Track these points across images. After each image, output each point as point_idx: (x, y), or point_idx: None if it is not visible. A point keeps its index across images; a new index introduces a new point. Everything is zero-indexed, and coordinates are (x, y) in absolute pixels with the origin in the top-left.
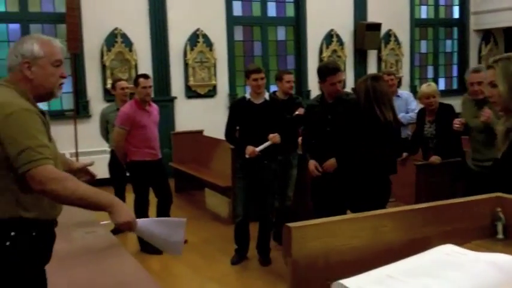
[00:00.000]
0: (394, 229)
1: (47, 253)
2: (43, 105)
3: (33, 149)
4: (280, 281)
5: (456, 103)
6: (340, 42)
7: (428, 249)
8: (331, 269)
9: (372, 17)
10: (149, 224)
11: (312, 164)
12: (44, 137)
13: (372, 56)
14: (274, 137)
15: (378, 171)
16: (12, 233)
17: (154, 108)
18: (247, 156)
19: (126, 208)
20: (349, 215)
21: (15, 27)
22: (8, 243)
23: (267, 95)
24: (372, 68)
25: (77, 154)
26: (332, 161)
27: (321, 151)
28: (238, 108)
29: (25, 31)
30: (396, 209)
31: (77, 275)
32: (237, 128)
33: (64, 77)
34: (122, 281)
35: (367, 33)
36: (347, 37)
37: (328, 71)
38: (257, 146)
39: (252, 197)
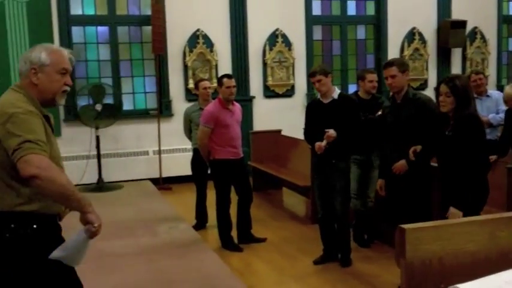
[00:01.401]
0: (511, 234)
1: (51, 245)
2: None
3: (33, 142)
4: (360, 283)
5: None
6: (423, 41)
7: None
8: (445, 272)
9: (456, 14)
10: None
11: (380, 184)
12: (43, 134)
13: (456, 54)
14: (329, 133)
15: (477, 171)
16: (12, 225)
17: (237, 107)
18: (318, 152)
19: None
20: (465, 219)
21: (103, 29)
22: (7, 235)
23: (335, 94)
24: (456, 67)
25: (159, 152)
26: (403, 163)
27: (390, 153)
28: (310, 108)
29: (113, 33)
30: None
31: (162, 268)
32: None
33: (69, 85)
34: (205, 275)
35: (451, 31)
36: (430, 35)
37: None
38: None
39: (328, 197)
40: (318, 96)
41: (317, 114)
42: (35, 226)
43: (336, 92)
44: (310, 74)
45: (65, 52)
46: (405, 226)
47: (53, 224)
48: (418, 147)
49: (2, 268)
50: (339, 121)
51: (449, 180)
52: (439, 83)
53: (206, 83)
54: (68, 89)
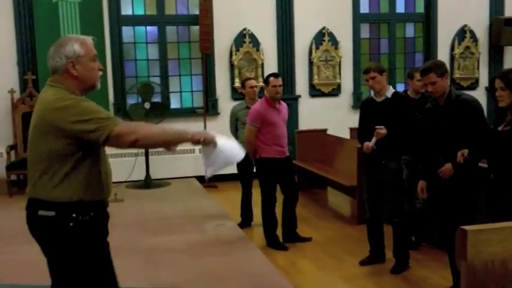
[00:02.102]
0: None
1: (104, 230)
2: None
3: (105, 118)
4: (409, 285)
5: None
6: (474, 39)
7: None
8: (508, 275)
9: (509, 11)
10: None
11: (421, 185)
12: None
13: (509, 52)
14: (378, 130)
15: None
16: (74, 215)
17: (284, 106)
18: (366, 152)
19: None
20: None
21: (152, 29)
22: (71, 224)
23: (389, 93)
24: (508, 66)
25: None
26: (449, 167)
27: (435, 156)
28: (363, 107)
29: (162, 33)
30: None
31: (209, 264)
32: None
33: (101, 70)
34: (252, 273)
35: (504, 29)
36: (481, 33)
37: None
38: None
39: (376, 198)
40: (372, 94)
41: (370, 112)
42: (92, 214)
43: (390, 90)
44: (365, 71)
45: (90, 40)
46: (467, 227)
47: (104, 211)
48: (466, 151)
49: (65, 254)
50: (391, 120)
51: (502, 182)
52: (492, 78)
53: (253, 82)
54: (101, 73)
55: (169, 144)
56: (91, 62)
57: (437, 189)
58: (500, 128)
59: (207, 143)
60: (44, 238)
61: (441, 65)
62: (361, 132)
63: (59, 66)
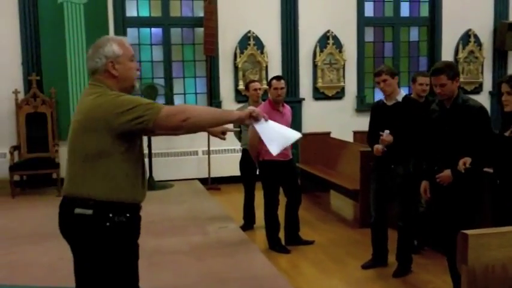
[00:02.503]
0: None
1: (137, 232)
2: None
3: (147, 104)
4: None
5: None
6: (478, 43)
7: None
8: (509, 279)
9: None
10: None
11: (424, 186)
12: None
13: None
14: (383, 138)
15: None
16: (110, 215)
17: (287, 109)
18: (377, 155)
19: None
20: None
21: (157, 31)
22: (108, 224)
23: (400, 97)
24: None
25: (209, 152)
26: (448, 174)
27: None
28: (373, 110)
29: (166, 35)
30: None
31: (211, 267)
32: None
33: (138, 70)
34: (254, 275)
35: (509, 33)
36: (486, 37)
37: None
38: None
39: (383, 201)
40: (382, 98)
41: (380, 116)
42: (128, 215)
43: (401, 94)
44: (376, 73)
45: (127, 40)
46: (468, 232)
47: (138, 213)
48: (468, 160)
49: (98, 254)
50: (401, 124)
51: (508, 187)
52: (499, 83)
53: (256, 84)
54: (139, 73)
55: (218, 123)
56: (129, 62)
57: (438, 192)
58: (507, 134)
59: (257, 117)
60: (77, 237)
61: (454, 68)
62: (371, 136)
63: (99, 67)
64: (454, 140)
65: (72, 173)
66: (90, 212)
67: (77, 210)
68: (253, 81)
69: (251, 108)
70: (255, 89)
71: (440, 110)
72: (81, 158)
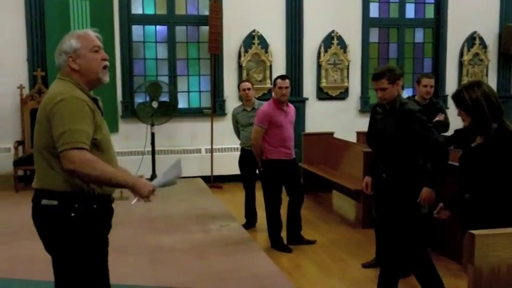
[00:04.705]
0: None
1: (107, 224)
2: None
3: (73, 132)
4: None
5: None
6: (484, 46)
7: None
8: None
9: None
10: (158, 179)
11: (366, 181)
12: (88, 125)
13: None
14: None
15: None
16: (76, 205)
17: (291, 108)
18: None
19: (143, 182)
20: None
21: (162, 29)
22: (72, 214)
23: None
24: None
25: (211, 150)
26: (429, 192)
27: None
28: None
29: (171, 32)
30: None
31: (212, 265)
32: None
33: (106, 59)
34: (255, 274)
35: None
36: (491, 40)
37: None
38: None
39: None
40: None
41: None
42: (95, 206)
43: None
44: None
45: (91, 32)
46: (475, 232)
47: (108, 205)
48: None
49: (64, 245)
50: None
51: (478, 201)
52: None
53: (245, 85)
54: (108, 63)
55: (104, 185)
56: (90, 53)
57: (382, 192)
58: (473, 145)
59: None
60: (45, 228)
61: (395, 72)
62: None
63: (61, 63)
64: (390, 141)
65: (36, 166)
66: (55, 202)
67: (44, 202)
68: (244, 81)
69: (143, 191)
70: (244, 89)
71: (383, 112)
72: (39, 152)
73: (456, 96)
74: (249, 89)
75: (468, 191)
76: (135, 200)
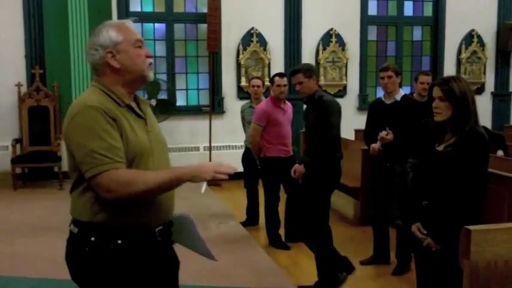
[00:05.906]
0: None
1: (140, 266)
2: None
3: (97, 152)
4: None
5: None
6: (481, 43)
7: None
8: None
9: None
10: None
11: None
12: (110, 135)
13: None
14: (383, 136)
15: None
16: (92, 238)
17: (289, 106)
18: (372, 154)
19: (203, 166)
20: None
21: (160, 26)
22: (86, 249)
23: (399, 96)
24: None
25: (210, 148)
26: (301, 169)
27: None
28: (371, 108)
29: (169, 30)
30: None
31: (212, 262)
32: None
33: (150, 57)
34: (254, 271)
35: None
36: (489, 38)
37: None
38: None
39: (381, 200)
40: (382, 96)
41: (377, 114)
42: (119, 242)
43: (400, 93)
44: (382, 68)
45: (130, 22)
46: (471, 227)
47: (145, 241)
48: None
49: (80, 280)
50: (397, 123)
51: (439, 209)
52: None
53: (256, 81)
54: (152, 61)
55: (156, 194)
56: (134, 49)
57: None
58: (439, 148)
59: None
60: (66, 255)
61: (310, 69)
62: (368, 134)
63: (97, 60)
64: (309, 130)
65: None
66: (76, 230)
67: (71, 227)
68: (255, 77)
69: (203, 175)
70: (253, 86)
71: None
72: (71, 174)
73: (444, 85)
74: (258, 86)
75: (426, 197)
76: (204, 187)
